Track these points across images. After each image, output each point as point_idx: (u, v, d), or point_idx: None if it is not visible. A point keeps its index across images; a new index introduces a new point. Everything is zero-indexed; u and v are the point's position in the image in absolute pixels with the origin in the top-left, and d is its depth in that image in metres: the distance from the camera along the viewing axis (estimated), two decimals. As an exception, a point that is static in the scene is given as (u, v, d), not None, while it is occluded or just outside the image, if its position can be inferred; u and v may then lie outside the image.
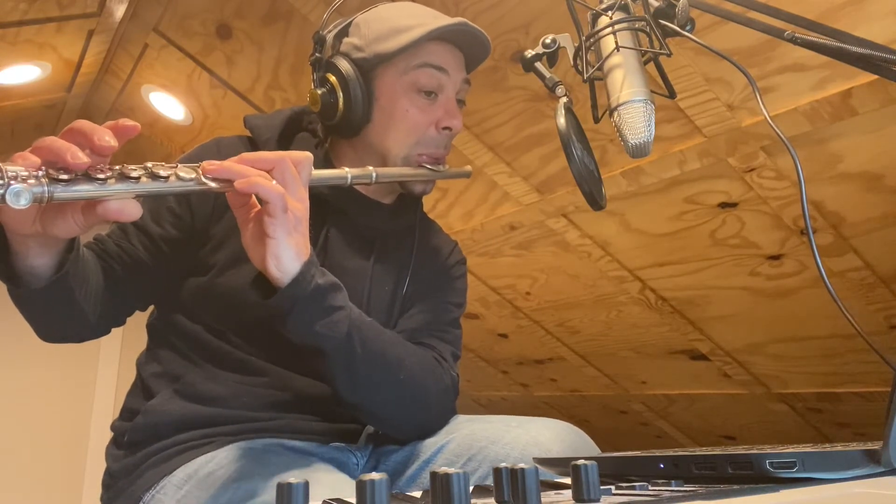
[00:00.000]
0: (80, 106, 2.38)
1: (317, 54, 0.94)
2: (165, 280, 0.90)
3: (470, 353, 2.61)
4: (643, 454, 0.56)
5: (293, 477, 0.36)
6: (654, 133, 0.73)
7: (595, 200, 0.79)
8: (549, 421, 0.87)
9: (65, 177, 0.57)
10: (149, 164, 0.63)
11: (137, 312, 0.93)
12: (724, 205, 1.48)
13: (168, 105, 2.18)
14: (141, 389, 0.91)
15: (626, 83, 0.73)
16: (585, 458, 0.39)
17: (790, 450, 0.46)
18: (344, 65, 0.90)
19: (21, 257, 0.67)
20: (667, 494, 0.40)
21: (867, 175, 1.27)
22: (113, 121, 0.62)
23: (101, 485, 0.89)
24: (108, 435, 0.91)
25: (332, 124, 0.93)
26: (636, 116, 0.72)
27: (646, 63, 0.76)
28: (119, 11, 1.81)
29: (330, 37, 0.94)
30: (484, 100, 1.53)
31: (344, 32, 0.94)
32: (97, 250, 0.84)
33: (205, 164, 0.67)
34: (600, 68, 0.76)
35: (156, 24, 1.84)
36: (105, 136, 0.59)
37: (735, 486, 0.43)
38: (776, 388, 1.95)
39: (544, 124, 1.52)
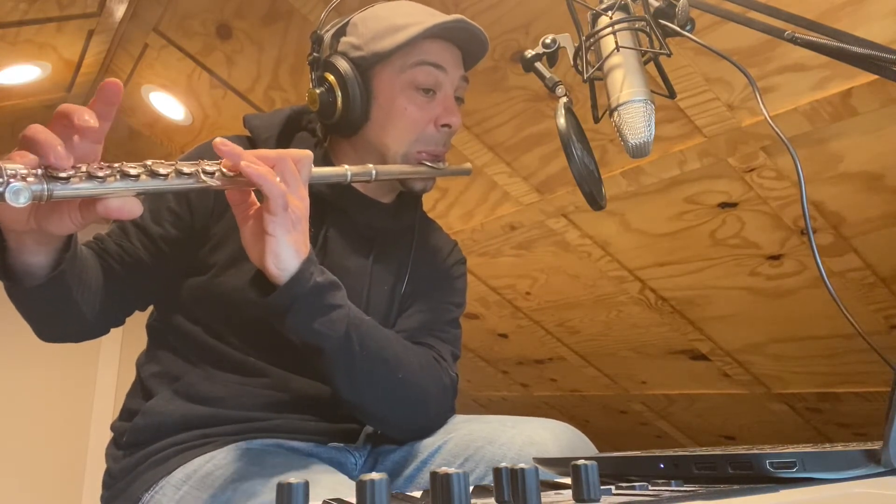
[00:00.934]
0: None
1: (314, 54, 0.94)
2: (165, 280, 0.90)
3: (470, 353, 2.61)
4: (643, 454, 0.56)
5: (292, 477, 0.36)
6: (654, 133, 0.73)
7: (595, 200, 0.78)
8: (545, 421, 0.87)
9: (63, 175, 0.57)
10: (148, 162, 0.63)
11: (138, 313, 0.93)
12: (724, 205, 1.48)
13: (168, 105, 2.18)
14: (140, 390, 0.91)
15: (626, 83, 0.73)
16: (585, 458, 0.39)
17: (790, 450, 0.46)
18: (342, 64, 0.90)
19: (17, 254, 0.67)
20: (667, 494, 0.40)
21: (867, 175, 1.27)
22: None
23: (102, 485, 0.89)
24: (108, 435, 0.91)
25: (331, 123, 0.93)
26: (636, 116, 0.72)
27: (646, 63, 0.76)
28: (119, 11, 1.81)
29: (327, 36, 0.94)
30: (484, 100, 1.53)
31: (341, 32, 0.94)
32: (97, 249, 0.84)
33: (217, 140, 0.67)
34: (600, 68, 0.76)
35: (156, 24, 1.84)
36: (84, 116, 0.58)
37: (735, 486, 0.43)
38: (776, 388, 1.95)
39: (544, 124, 1.52)
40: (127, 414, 0.89)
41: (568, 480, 0.41)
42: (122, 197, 0.61)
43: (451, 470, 0.35)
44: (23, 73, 2.03)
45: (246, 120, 0.96)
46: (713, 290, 1.73)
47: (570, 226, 1.75)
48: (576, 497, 0.38)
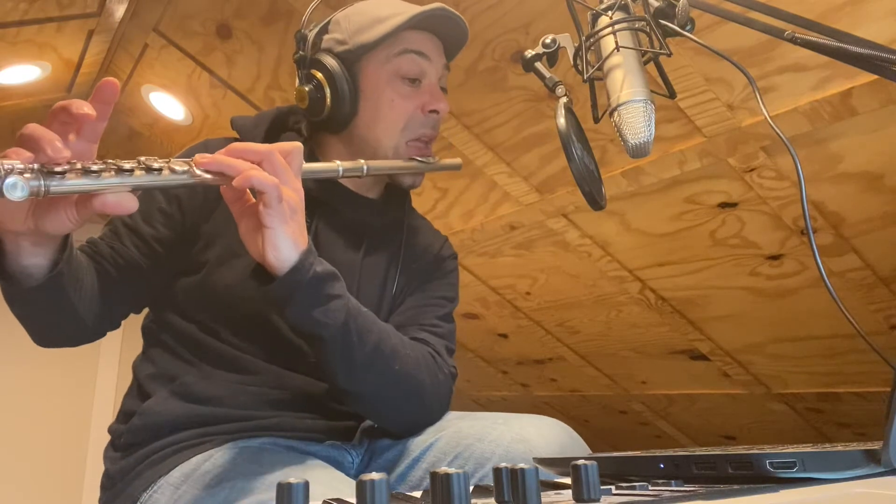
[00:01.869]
0: (79, 106, 2.38)
1: (300, 52, 0.95)
2: (159, 280, 0.90)
3: (470, 353, 2.61)
4: (643, 454, 0.56)
5: (290, 475, 0.36)
6: (654, 133, 0.73)
7: (595, 200, 0.78)
8: (536, 417, 0.87)
9: (59, 170, 0.57)
10: (142, 158, 0.63)
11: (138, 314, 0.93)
12: (724, 205, 1.48)
13: (168, 105, 2.18)
14: (137, 392, 0.91)
15: (626, 83, 0.73)
16: (586, 458, 0.39)
17: (790, 450, 0.46)
18: (328, 60, 0.92)
19: (14, 257, 0.67)
20: (667, 494, 0.40)
21: (867, 175, 1.27)
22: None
23: (100, 487, 0.89)
24: (108, 437, 0.91)
25: (320, 120, 0.94)
26: (636, 116, 0.72)
27: (646, 63, 0.76)
28: (119, 11, 1.81)
29: (312, 35, 0.96)
30: (484, 100, 1.53)
31: (324, 30, 0.96)
32: (90, 252, 0.85)
33: (197, 157, 0.67)
34: (600, 68, 0.76)
35: (156, 24, 1.84)
36: (83, 107, 0.59)
37: (735, 486, 0.43)
38: (776, 388, 1.94)
39: (544, 124, 1.52)
40: (124, 416, 0.89)
41: (568, 480, 0.41)
42: (118, 192, 0.61)
43: (452, 470, 0.35)
44: (23, 73, 2.03)
45: (233, 121, 0.97)
46: (713, 290, 1.73)
47: (570, 226, 1.75)
48: (576, 497, 0.38)
